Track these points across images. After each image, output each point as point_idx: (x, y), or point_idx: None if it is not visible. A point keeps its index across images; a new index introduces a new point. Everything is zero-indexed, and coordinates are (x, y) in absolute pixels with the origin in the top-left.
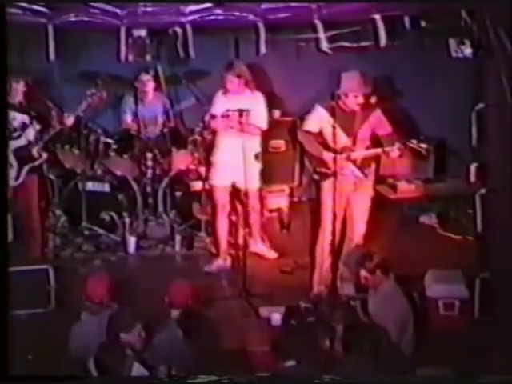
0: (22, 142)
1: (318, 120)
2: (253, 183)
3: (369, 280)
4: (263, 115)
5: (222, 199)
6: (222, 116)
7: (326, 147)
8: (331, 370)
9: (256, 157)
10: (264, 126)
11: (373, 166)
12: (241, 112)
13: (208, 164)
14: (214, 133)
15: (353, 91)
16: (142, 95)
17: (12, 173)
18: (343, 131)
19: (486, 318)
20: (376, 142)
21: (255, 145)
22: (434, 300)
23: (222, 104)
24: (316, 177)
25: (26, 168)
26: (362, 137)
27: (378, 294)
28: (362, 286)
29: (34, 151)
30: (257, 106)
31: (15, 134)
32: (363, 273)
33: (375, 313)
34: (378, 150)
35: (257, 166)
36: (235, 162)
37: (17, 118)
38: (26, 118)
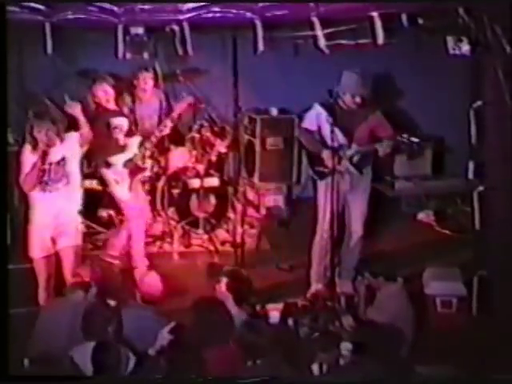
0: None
1: (316, 118)
2: (74, 241)
3: (371, 282)
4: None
5: (45, 271)
6: (32, 173)
7: (324, 145)
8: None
9: (80, 212)
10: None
11: (369, 165)
12: (57, 163)
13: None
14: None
15: (350, 91)
16: (140, 93)
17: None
18: (340, 130)
19: (483, 315)
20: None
21: (77, 197)
22: (432, 297)
23: (27, 158)
24: (314, 176)
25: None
26: (359, 136)
27: (381, 294)
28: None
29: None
30: (73, 150)
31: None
32: (366, 275)
33: (374, 309)
34: (372, 146)
35: (79, 222)
36: (55, 224)
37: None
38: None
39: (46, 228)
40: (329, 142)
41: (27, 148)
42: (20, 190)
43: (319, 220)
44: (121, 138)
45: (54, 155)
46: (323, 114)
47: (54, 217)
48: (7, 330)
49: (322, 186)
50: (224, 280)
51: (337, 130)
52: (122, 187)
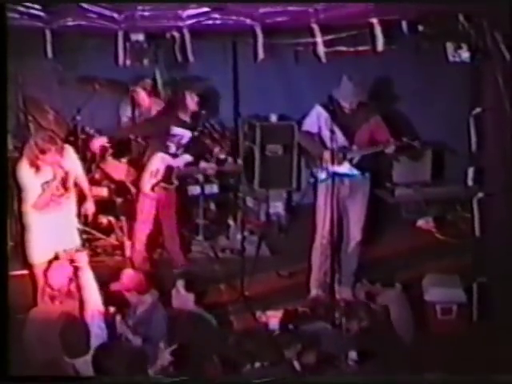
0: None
1: (317, 119)
2: (75, 243)
3: (370, 289)
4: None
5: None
6: (45, 195)
7: (325, 146)
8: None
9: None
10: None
11: (369, 169)
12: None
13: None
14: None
15: (344, 98)
16: (139, 104)
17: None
18: (342, 131)
19: (483, 322)
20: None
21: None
22: (432, 304)
23: (33, 182)
24: (312, 179)
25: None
26: (360, 138)
27: (380, 300)
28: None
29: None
30: (69, 160)
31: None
32: (364, 281)
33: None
34: (375, 149)
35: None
36: (56, 232)
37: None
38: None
39: (46, 233)
40: (328, 143)
41: (29, 169)
42: (19, 196)
43: (318, 225)
44: (172, 147)
45: (60, 172)
46: (324, 115)
47: (55, 223)
48: (7, 331)
49: (321, 191)
50: (180, 282)
51: (338, 132)
52: (148, 182)
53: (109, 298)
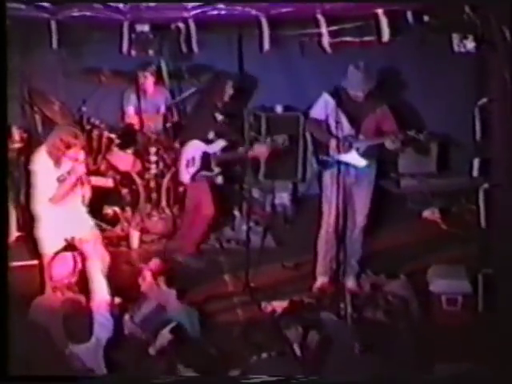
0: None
1: (325, 106)
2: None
3: (375, 280)
4: None
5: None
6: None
7: (331, 134)
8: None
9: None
10: None
11: (374, 157)
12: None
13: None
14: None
15: (353, 87)
16: (145, 89)
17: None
18: (348, 120)
19: (488, 313)
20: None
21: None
22: (437, 295)
23: (50, 174)
24: (318, 166)
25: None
26: (367, 127)
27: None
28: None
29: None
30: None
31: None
32: (368, 272)
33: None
34: (381, 139)
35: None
36: (67, 222)
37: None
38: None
39: (58, 223)
40: (334, 131)
41: (48, 162)
42: (28, 187)
43: (325, 213)
44: (211, 134)
45: (80, 167)
46: (331, 103)
47: (66, 213)
48: (7, 330)
49: (328, 178)
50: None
51: (344, 120)
52: (186, 171)
53: (117, 289)
